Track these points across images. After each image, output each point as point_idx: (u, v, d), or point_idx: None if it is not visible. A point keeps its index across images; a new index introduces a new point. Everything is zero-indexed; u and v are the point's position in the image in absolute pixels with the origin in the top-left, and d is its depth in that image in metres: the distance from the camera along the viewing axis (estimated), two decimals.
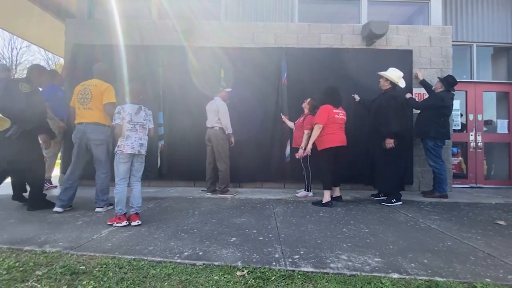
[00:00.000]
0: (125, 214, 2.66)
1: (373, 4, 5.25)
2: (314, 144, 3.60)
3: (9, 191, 3.36)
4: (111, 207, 3.17)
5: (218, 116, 4.00)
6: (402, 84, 3.78)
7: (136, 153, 2.71)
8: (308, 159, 3.95)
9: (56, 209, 3.04)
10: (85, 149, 3.17)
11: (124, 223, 2.61)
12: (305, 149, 3.78)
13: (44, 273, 1.71)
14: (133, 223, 2.62)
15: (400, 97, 3.61)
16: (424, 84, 4.54)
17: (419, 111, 4.30)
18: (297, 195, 4.11)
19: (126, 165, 2.72)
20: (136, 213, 2.69)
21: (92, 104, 3.10)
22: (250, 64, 4.69)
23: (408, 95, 4.37)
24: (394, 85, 3.73)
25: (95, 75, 3.26)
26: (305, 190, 4.13)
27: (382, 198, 3.89)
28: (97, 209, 3.14)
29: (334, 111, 3.56)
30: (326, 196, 3.56)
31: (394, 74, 3.74)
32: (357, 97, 4.42)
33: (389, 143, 3.54)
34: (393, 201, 3.64)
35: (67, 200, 3.13)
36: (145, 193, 4.16)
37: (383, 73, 3.79)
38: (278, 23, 4.97)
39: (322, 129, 3.51)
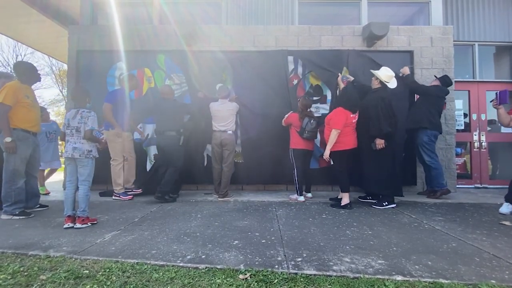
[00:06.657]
0: (69, 216, 2.70)
1: (373, 5, 5.26)
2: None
3: None
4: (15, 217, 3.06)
5: (233, 118, 4.06)
6: (392, 84, 3.66)
7: (70, 156, 2.74)
8: (293, 160, 3.89)
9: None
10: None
11: (66, 225, 2.67)
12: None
13: (48, 278, 1.72)
14: (75, 226, 2.67)
15: (388, 98, 3.52)
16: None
17: (414, 95, 4.32)
18: (290, 197, 4.03)
19: (69, 167, 2.81)
20: (78, 216, 2.71)
21: None
22: (251, 67, 4.71)
23: (405, 71, 4.27)
24: (384, 85, 3.63)
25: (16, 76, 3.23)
26: (296, 194, 3.96)
27: (371, 200, 3.78)
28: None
29: (351, 116, 3.51)
30: (345, 199, 3.56)
31: (385, 74, 3.62)
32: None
33: (380, 143, 3.47)
34: (384, 204, 3.54)
35: None
36: (149, 196, 4.19)
37: (374, 71, 3.71)
38: (278, 26, 4.99)
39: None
